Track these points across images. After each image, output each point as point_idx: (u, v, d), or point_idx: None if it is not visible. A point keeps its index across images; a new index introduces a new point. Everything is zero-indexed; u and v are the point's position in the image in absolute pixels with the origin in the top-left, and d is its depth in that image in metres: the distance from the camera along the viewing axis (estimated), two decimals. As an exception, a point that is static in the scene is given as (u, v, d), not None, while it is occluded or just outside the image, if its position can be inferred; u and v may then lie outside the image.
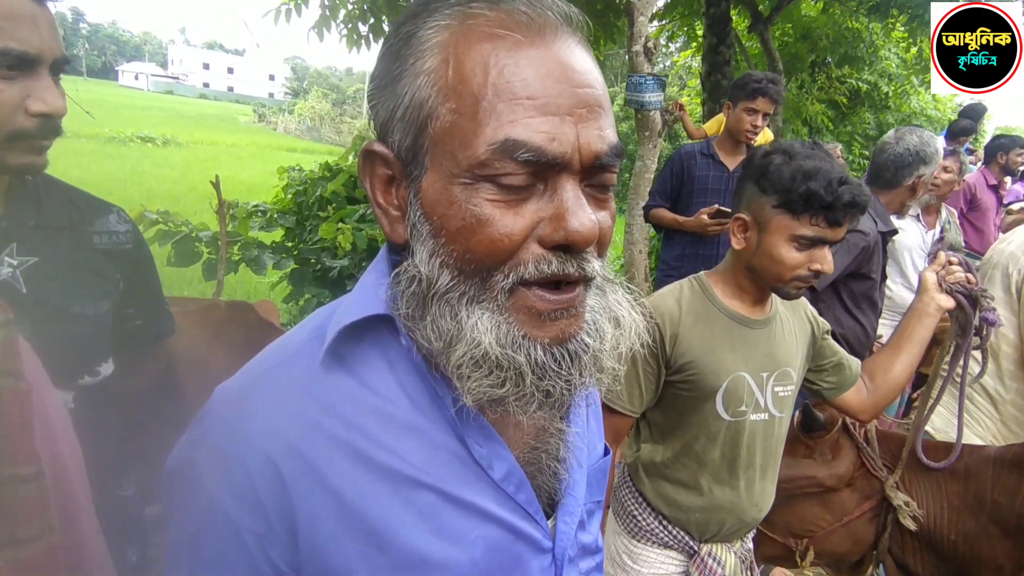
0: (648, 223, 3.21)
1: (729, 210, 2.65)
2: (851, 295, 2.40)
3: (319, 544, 0.51)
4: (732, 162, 2.92)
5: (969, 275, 1.39)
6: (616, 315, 0.56)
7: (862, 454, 1.60)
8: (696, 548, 1.38)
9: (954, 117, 6.02)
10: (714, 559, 1.38)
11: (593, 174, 0.51)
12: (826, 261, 1.24)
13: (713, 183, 2.90)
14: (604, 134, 0.50)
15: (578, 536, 0.65)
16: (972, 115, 5.72)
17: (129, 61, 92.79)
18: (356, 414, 0.53)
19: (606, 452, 0.74)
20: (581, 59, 0.51)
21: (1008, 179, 4.92)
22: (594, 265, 0.52)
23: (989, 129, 11.74)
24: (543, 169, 0.48)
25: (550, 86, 0.48)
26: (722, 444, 1.33)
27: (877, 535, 1.59)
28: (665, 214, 2.98)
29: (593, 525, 0.71)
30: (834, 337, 2.44)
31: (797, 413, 1.66)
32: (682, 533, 1.38)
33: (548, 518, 0.62)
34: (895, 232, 2.79)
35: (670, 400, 1.36)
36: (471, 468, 0.57)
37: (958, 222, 3.43)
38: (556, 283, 0.51)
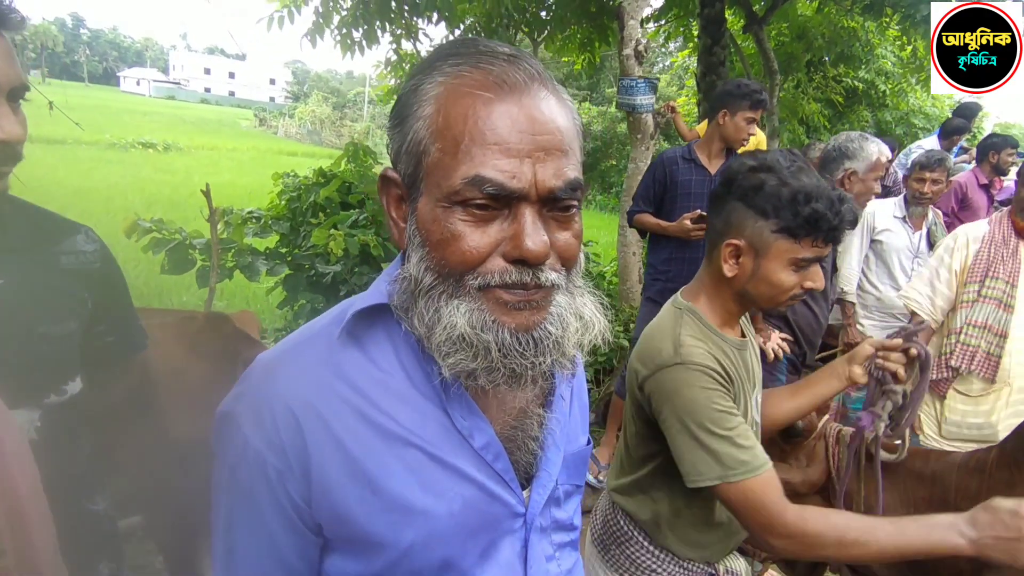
0: (633, 228, 3.24)
1: None
2: None
3: (326, 483, 0.64)
4: (714, 166, 2.95)
5: (900, 371, 1.31)
6: (580, 313, 0.67)
7: (830, 478, 1.61)
8: (715, 571, 1.37)
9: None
10: (731, 573, 1.39)
11: (553, 203, 0.62)
12: (819, 277, 1.22)
13: (696, 187, 2.93)
14: (561, 172, 0.62)
15: (552, 511, 0.77)
16: (966, 113, 5.71)
17: (130, 67, 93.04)
18: (362, 382, 0.66)
19: (588, 443, 0.85)
20: (545, 110, 0.62)
21: (1003, 178, 4.93)
22: (549, 275, 0.63)
23: (988, 127, 11.71)
24: (506, 199, 0.60)
25: (514, 134, 0.60)
26: None
27: None
28: (648, 219, 3.01)
29: (570, 505, 0.81)
30: (787, 324, 2.50)
31: None
32: (702, 566, 1.35)
33: (524, 489, 0.73)
34: None
35: None
36: (455, 436, 0.68)
37: (943, 222, 3.43)
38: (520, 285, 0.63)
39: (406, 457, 0.66)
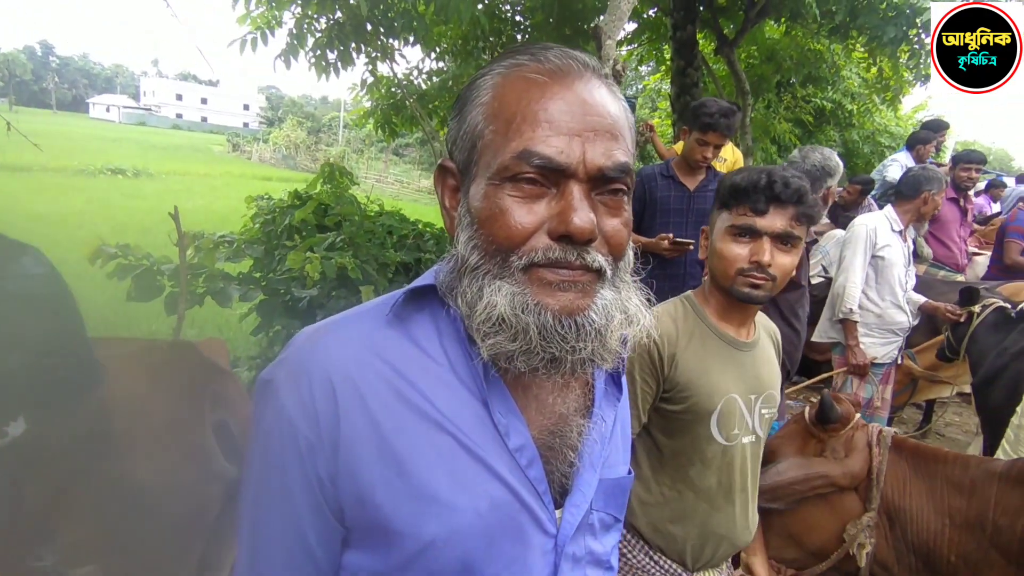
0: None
1: (686, 240, 2.74)
2: (787, 304, 2.50)
3: (353, 460, 0.62)
4: (692, 183, 2.96)
5: None
6: (626, 308, 0.66)
7: (868, 477, 1.54)
8: None
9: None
10: None
11: (602, 185, 0.62)
12: (764, 252, 1.27)
13: (675, 203, 2.95)
14: (610, 154, 0.62)
15: (587, 540, 0.72)
16: (931, 128, 5.84)
17: (100, 94, 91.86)
18: (401, 363, 0.65)
19: (629, 473, 0.81)
20: (596, 95, 0.63)
21: (973, 194, 5.01)
22: (595, 256, 0.62)
23: (951, 146, 12.07)
24: (554, 175, 0.61)
25: (565, 114, 0.61)
26: (718, 470, 1.32)
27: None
28: None
29: (608, 540, 0.76)
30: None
31: (809, 405, 1.65)
32: (675, 565, 1.34)
33: (557, 509, 0.69)
34: (815, 241, 3.18)
35: (662, 426, 1.34)
36: (490, 431, 0.66)
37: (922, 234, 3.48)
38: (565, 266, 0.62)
39: (438, 442, 0.64)
